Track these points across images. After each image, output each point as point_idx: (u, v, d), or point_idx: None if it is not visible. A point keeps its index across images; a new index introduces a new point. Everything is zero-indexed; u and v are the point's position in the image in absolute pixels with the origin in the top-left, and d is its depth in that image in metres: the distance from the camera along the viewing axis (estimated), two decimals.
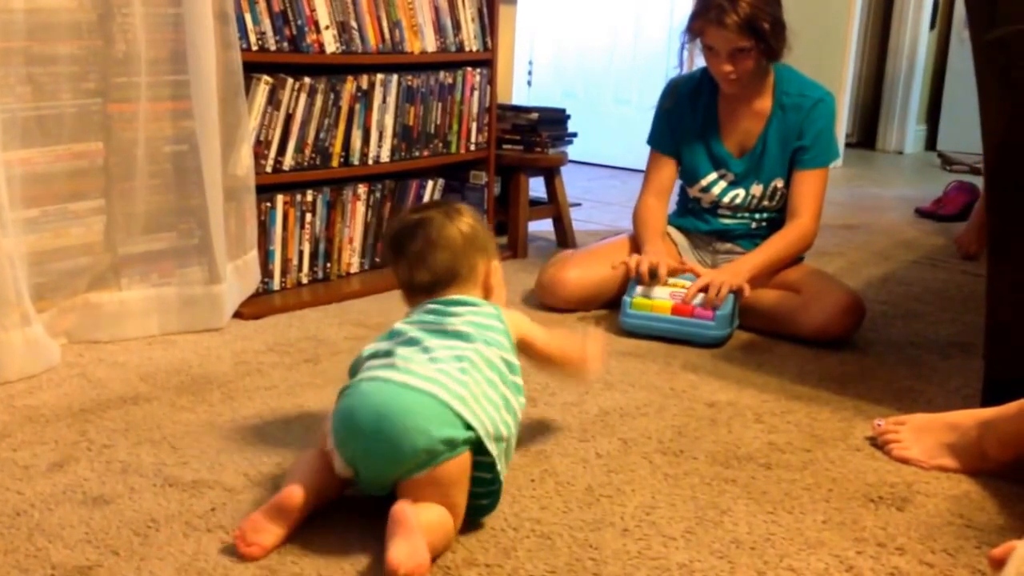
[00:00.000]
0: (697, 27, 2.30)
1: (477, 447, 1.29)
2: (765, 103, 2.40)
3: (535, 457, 1.59)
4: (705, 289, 2.22)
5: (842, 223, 3.73)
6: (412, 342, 1.37)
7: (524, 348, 1.49)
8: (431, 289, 1.47)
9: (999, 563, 1.09)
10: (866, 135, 6.22)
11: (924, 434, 1.63)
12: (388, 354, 1.36)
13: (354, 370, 1.41)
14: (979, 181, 3.55)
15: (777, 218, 2.44)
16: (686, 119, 2.47)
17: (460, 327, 1.39)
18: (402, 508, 1.20)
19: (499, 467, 1.31)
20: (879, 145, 6.13)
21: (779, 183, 2.41)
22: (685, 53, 2.43)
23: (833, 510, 1.45)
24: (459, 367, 1.32)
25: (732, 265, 2.33)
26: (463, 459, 1.27)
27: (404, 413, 1.26)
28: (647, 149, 2.56)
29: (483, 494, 1.34)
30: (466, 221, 1.50)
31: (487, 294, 1.51)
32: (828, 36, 5.00)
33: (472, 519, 1.34)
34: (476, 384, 1.31)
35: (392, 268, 1.52)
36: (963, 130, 5.63)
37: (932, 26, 5.98)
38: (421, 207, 1.55)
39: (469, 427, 1.27)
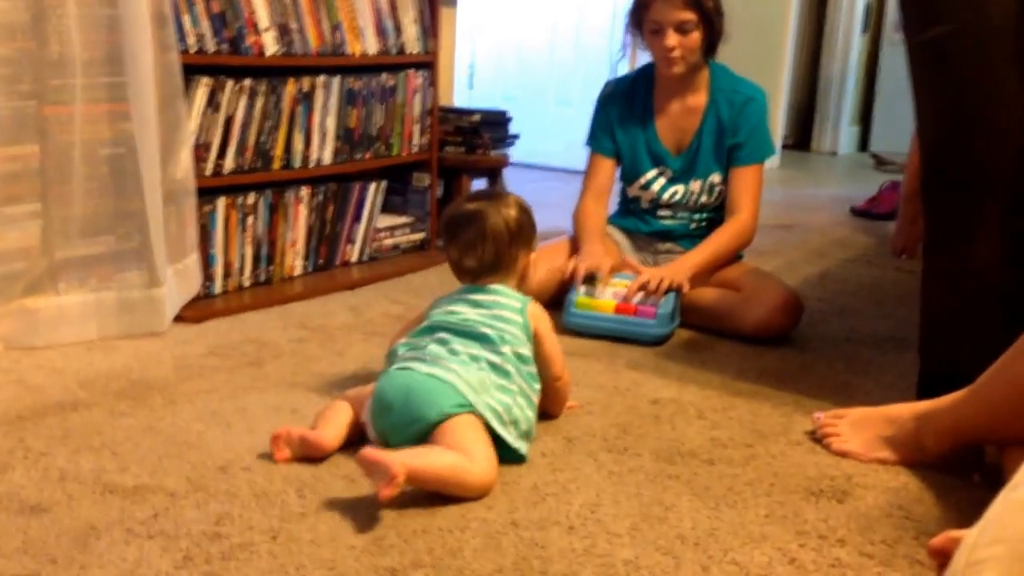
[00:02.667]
0: (644, 2, 2.34)
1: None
2: (700, 100, 2.44)
3: None
4: (646, 285, 2.25)
5: (779, 223, 3.80)
6: (442, 342, 1.61)
7: (535, 342, 1.68)
8: (476, 274, 1.71)
9: (938, 553, 1.12)
10: (801, 137, 6.33)
11: (862, 428, 1.66)
12: (420, 348, 1.61)
13: (391, 356, 1.65)
14: None
15: (716, 218, 2.48)
16: (623, 119, 2.50)
17: (484, 329, 1.61)
18: (363, 454, 1.37)
19: (513, 444, 1.55)
20: (814, 146, 6.25)
21: (716, 178, 2.45)
22: (628, 38, 2.46)
23: (775, 504, 1.47)
24: (477, 366, 1.57)
25: (673, 263, 2.37)
26: (470, 416, 1.51)
27: (425, 392, 1.52)
28: (588, 150, 2.58)
29: (505, 453, 1.55)
30: (514, 217, 1.72)
31: (522, 280, 1.76)
32: (764, 41, 5.08)
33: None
34: (488, 378, 1.56)
35: (445, 248, 1.76)
36: (895, 131, 5.78)
37: (864, 30, 6.11)
38: (477, 196, 1.76)
39: (472, 407, 1.51)
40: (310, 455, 1.55)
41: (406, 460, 1.36)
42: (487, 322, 1.63)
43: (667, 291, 2.25)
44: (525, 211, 1.76)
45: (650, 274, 2.27)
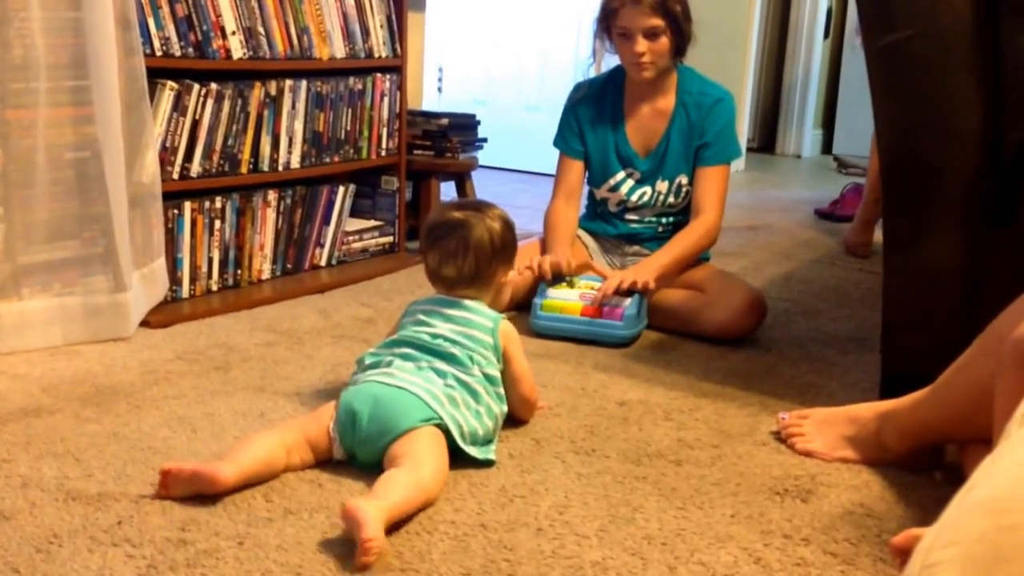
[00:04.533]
0: (612, 7, 2.36)
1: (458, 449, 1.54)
2: (668, 102, 2.46)
3: (449, 459, 1.60)
4: (616, 288, 2.27)
5: (744, 224, 3.83)
6: (408, 357, 1.61)
7: (504, 361, 1.68)
8: (452, 284, 1.70)
9: (900, 551, 1.14)
10: (766, 140, 6.39)
11: (826, 427, 1.68)
12: (388, 363, 1.60)
13: (359, 364, 1.66)
14: None
15: (682, 221, 2.50)
16: (593, 121, 2.52)
17: (453, 350, 1.61)
18: (350, 506, 1.29)
19: (477, 456, 1.56)
20: (778, 149, 6.31)
21: (683, 179, 2.47)
22: (597, 43, 2.47)
23: (741, 504, 1.49)
24: (444, 382, 1.58)
25: (639, 264, 2.39)
26: (433, 429, 1.51)
27: (393, 404, 1.51)
28: (556, 153, 2.59)
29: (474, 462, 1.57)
30: (499, 231, 1.70)
31: (496, 295, 1.75)
32: (728, 45, 5.13)
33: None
34: (455, 394, 1.56)
35: (423, 253, 1.73)
36: (857, 134, 5.85)
37: (826, 36, 6.18)
38: (463, 206, 1.79)
39: (440, 420, 1.52)
40: (202, 491, 1.40)
41: (382, 511, 1.29)
42: (457, 340, 1.63)
43: (633, 292, 2.27)
44: (509, 227, 1.74)
45: (618, 277, 2.28)
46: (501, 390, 1.66)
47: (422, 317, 1.68)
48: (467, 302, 1.69)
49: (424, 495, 1.40)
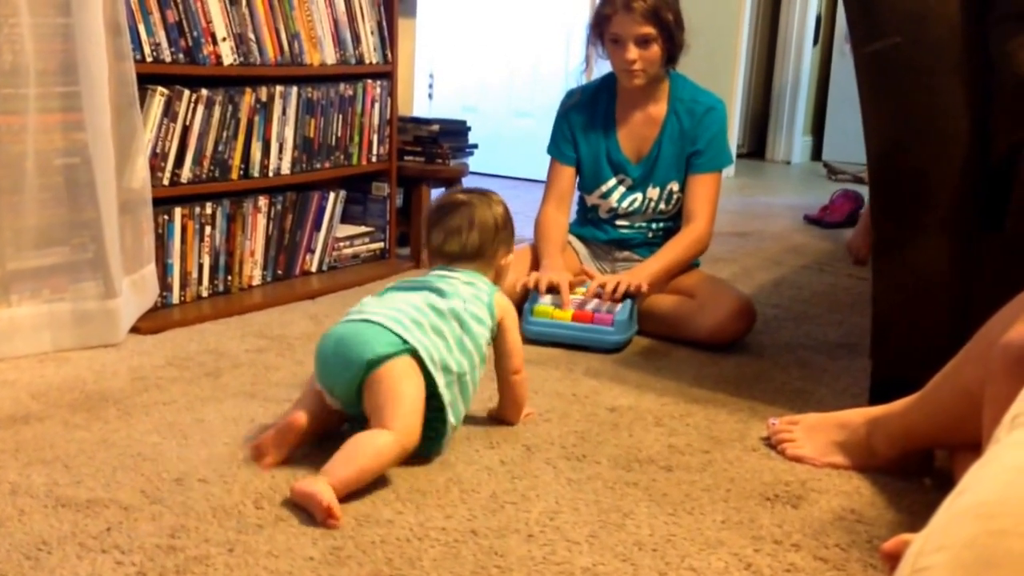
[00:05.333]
0: (605, 14, 2.37)
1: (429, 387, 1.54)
2: (660, 109, 2.47)
3: (440, 466, 1.60)
4: (603, 288, 2.28)
5: (735, 230, 3.84)
6: (380, 295, 1.66)
7: (497, 332, 1.71)
8: (454, 259, 1.74)
9: (890, 556, 1.14)
10: (757, 146, 6.42)
11: (816, 433, 1.69)
12: (363, 306, 1.62)
13: None
14: (863, 189, 3.69)
15: (673, 227, 2.51)
16: (585, 128, 2.52)
17: (440, 284, 1.64)
18: (293, 488, 1.42)
19: (446, 401, 1.56)
20: (768, 155, 6.33)
21: (674, 186, 2.48)
22: (589, 49, 2.48)
23: (731, 510, 1.49)
24: (414, 307, 1.59)
25: (631, 270, 2.40)
26: (405, 359, 1.52)
27: (353, 336, 1.54)
28: (547, 160, 2.60)
29: (432, 430, 1.57)
30: (501, 213, 1.78)
31: (497, 277, 1.79)
32: (718, 52, 5.14)
33: (423, 452, 1.57)
34: (424, 318, 1.57)
35: (427, 233, 1.79)
36: (846, 141, 5.88)
37: (815, 42, 6.21)
38: (466, 191, 1.84)
39: (407, 345, 1.52)
40: (291, 442, 1.56)
41: (331, 481, 1.39)
42: (448, 285, 1.66)
43: (625, 295, 2.28)
44: (509, 213, 1.82)
45: (614, 280, 2.29)
46: (487, 333, 1.66)
47: (417, 277, 1.73)
48: (467, 269, 1.73)
49: (390, 454, 1.47)
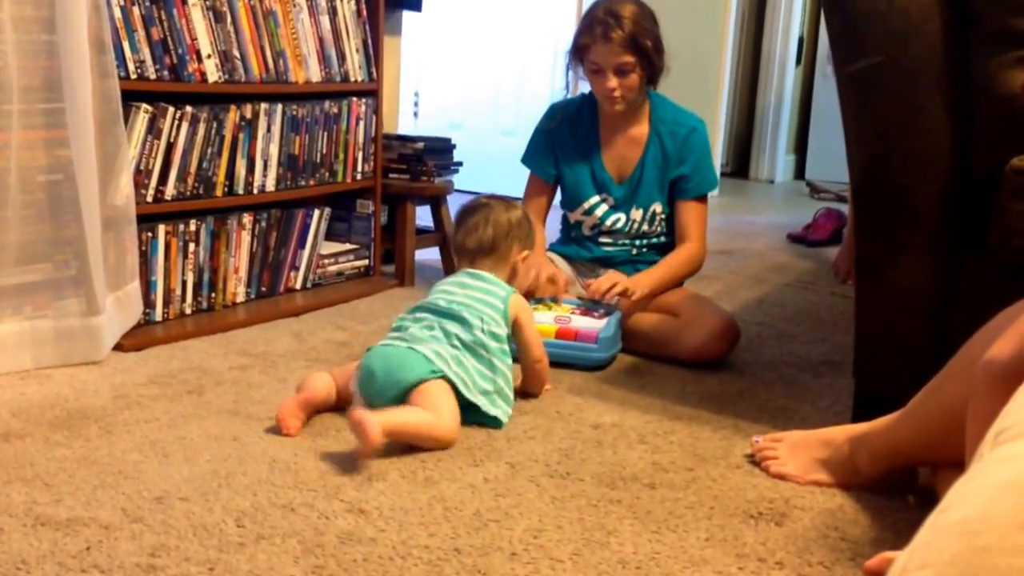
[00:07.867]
0: (583, 44, 2.38)
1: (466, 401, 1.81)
2: (642, 130, 2.48)
3: (423, 484, 1.59)
4: (597, 287, 2.32)
5: (719, 249, 3.85)
6: (421, 322, 1.88)
7: (515, 329, 1.95)
8: (474, 254, 2.01)
9: (874, 574, 1.14)
10: (740, 165, 6.45)
11: (799, 450, 1.69)
12: (404, 328, 1.88)
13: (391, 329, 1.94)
14: (845, 208, 3.71)
15: (657, 244, 2.52)
16: (567, 143, 2.53)
17: (464, 313, 1.87)
18: (351, 413, 1.63)
19: (488, 411, 1.83)
20: (752, 174, 6.36)
21: (658, 207, 2.49)
22: (571, 75, 2.49)
23: (715, 527, 1.49)
24: (449, 343, 1.85)
25: (633, 276, 2.42)
26: (440, 382, 1.78)
27: (402, 359, 1.79)
28: (526, 170, 2.60)
29: (484, 419, 1.85)
30: (517, 216, 2.04)
31: (513, 274, 2.04)
32: (701, 72, 5.17)
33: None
34: (459, 354, 1.83)
35: (454, 233, 2.09)
36: (829, 160, 5.92)
37: (798, 62, 6.26)
38: (489, 196, 2.09)
39: (443, 373, 1.79)
40: (317, 408, 1.83)
41: (383, 420, 1.61)
42: (469, 303, 1.89)
43: (620, 294, 2.30)
44: (528, 217, 2.07)
45: (623, 282, 2.33)
46: (505, 346, 1.91)
47: (445, 287, 1.96)
48: (485, 274, 1.97)
49: (433, 428, 1.71)
